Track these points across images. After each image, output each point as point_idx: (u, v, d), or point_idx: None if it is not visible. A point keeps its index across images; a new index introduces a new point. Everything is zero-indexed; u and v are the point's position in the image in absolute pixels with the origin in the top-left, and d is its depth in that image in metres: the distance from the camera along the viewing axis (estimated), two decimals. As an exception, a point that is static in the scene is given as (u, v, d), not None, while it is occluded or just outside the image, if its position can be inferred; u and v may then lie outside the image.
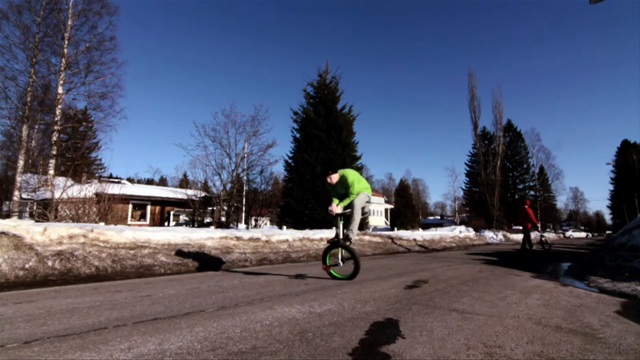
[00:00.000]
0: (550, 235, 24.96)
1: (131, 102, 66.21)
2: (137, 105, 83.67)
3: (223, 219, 17.08)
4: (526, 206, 10.88)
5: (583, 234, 52.49)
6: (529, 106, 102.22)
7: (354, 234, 4.21)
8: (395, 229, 19.69)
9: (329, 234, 9.53)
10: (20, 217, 13.89)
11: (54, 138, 15.33)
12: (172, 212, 24.79)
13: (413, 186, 62.25)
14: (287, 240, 7.67)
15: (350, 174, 4.28)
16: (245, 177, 17.56)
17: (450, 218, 58.20)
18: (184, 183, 32.89)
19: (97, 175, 22.52)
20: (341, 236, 4.17)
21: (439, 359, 1.68)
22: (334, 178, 4.27)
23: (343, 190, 4.27)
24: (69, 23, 15.75)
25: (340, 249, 4.21)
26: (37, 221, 5.96)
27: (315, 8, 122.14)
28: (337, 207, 4.16)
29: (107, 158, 53.58)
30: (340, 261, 4.17)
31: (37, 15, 15.27)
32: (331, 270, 4.18)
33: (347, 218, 4.24)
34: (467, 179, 41.83)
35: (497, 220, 30.53)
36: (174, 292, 3.30)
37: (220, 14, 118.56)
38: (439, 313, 2.59)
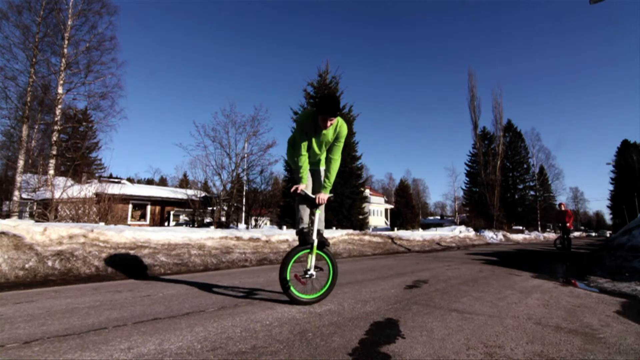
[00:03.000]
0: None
1: (131, 102, 66.35)
2: (137, 105, 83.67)
3: (223, 219, 17.08)
4: (564, 208, 11.90)
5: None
6: (529, 106, 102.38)
7: (324, 230, 3.03)
8: (395, 229, 19.71)
9: (331, 234, 9.51)
10: (20, 217, 13.90)
11: (54, 138, 15.33)
12: (172, 212, 24.81)
13: (413, 186, 62.22)
14: (287, 240, 7.67)
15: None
16: (245, 177, 17.57)
17: (450, 218, 58.21)
18: (184, 183, 32.91)
19: (97, 175, 22.54)
20: (315, 235, 2.80)
21: (439, 359, 1.68)
22: (331, 125, 2.74)
23: (319, 151, 2.95)
24: (69, 23, 15.75)
25: (313, 253, 2.78)
26: (37, 221, 5.96)
27: (315, 8, 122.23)
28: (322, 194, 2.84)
29: (107, 158, 53.59)
30: (312, 271, 2.74)
31: (37, 15, 15.27)
32: (291, 288, 2.67)
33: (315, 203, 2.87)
34: (467, 179, 41.89)
35: (497, 220, 30.56)
36: (174, 292, 3.30)
37: (220, 14, 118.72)
38: (439, 313, 2.59)
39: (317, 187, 3.02)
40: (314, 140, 2.85)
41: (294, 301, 2.68)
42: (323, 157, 3.06)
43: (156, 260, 5.12)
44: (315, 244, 2.77)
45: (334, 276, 2.90)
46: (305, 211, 2.93)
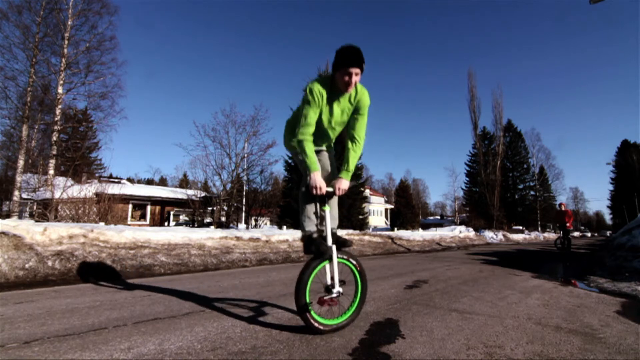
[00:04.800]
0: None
1: (131, 102, 66.04)
2: (137, 105, 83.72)
3: (223, 219, 17.09)
4: (564, 208, 11.85)
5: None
6: (529, 106, 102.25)
7: (336, 229, 2.31)
8: (395, 229, 19.72)
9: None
10: (20, 217, 13.90)
11: (54, 138, 15.34)
12: (172, 212, 24.82)
13: (413, 186, 62.24)
14: (287, 240, 7.67)
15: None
16: (245, 177, 17.58)
17: (450, 218, 58.22)
18: (184, 183, 32.90)
19: (97, 175, 22.56)
20: (330, 239, 2.08)
21: (439, 359, 1.68)
22: (356, 81, 2.03)
23: (332, 128, 2.24)
24: (69, 23, 15.76)
25: (335, 262, 2.06)
26: (37, 221, 5.96)
27: (316, 8, 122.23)
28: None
29: (107, 158, 53.57)
30: (338, 287, 2.04)
31: (37, 15, 15.28)
32: (312, 313, 1.96)
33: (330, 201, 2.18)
34: (467, 179, 41.93)
35: (497, 220, 30.59)
36: (174, 292, 3.30)
37: (220, 14, 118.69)
38: (439, 313, 2.59)
39: (325, 174, 2.25)
40: (326, 113, 2.13)
41: (317, 331, 1.97)
42: (334, 136, 2.35)
43: (156, 260, 5.12)
44: (334, 249, 2.07)
45: (363, 287, 2.24)
46: (313, 209, 2.19)
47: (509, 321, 2.41)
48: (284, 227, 12.89)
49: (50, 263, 4.20)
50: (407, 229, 24.68)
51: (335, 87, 2.07)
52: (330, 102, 2.12)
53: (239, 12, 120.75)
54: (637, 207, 43.18)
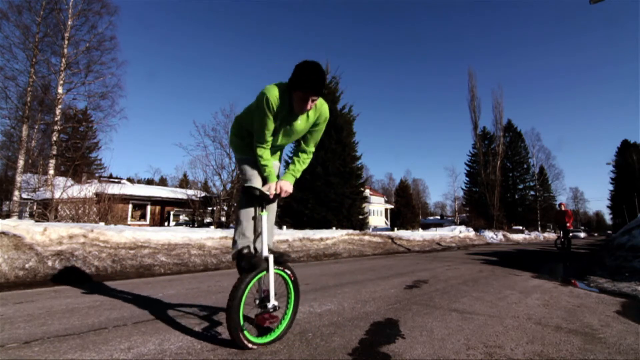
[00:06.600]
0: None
1: (131, 102, 65.75)
2: (137, 105, 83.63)
3: (223, 219, 17.10)
4: (564, 208, 11.82)
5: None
6: (529, 106, 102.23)
7: (273, 244, 2.12)
8: (395, 229, 19.72)
9: (329, 234, 9.50)
10: (20, 217, 13.90)
11: (54, 138, 15.34)
12: (172, 212, 24.81)
13: (413, 186, 62.16)
14: (287, 240, 7.66)
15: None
16: (245, 177, 17.56)
17: (450, 218, 58.24)
18: (184, 183, 32.88)
19: (97, 175, 22.58)
20: (265, 248, 1.89)
21: (439, 359, 1.68)
22: (311, 107, 1.86)
23: (284, 142, 2.10)
24: (69, 23, 15.76)
25: (271, 273, 1.86)
26: (37, 221, 5.96)
27: (315, 8, 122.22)
28: (278, 185, 1.95)
29: (107, 158, 53.41)
30: (273, 301, 1.83)
31: (37, 15, 15.28)
32: (247, 334, 1.73)
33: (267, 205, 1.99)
34: (467, 179, 41.99)
35: (497, 220, 30.59)
36: (174, 292, 3.30)
37: (219, 14, 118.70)
38: (439, 313, 2.59)
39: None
40: (283, 127, 1.97)
41: (243, 347, 1.73)
42: (284, 146, 2.23)
43: (156, 260, 5.12)
44: (271, 259, 1.86)
45: (296, 298, 2.03)
46: (250, 222, 1.97)
47: (509, 321, 2.41)
48: (284, 227, 12.88)
49: (50, 263, 4.20)
50: (407, 229, 24.70)
51: (291, 102, 1.88)
52: (288, 117, 1.94)
53: (239, 12, 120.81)
54: (637, 207, 43.17)
